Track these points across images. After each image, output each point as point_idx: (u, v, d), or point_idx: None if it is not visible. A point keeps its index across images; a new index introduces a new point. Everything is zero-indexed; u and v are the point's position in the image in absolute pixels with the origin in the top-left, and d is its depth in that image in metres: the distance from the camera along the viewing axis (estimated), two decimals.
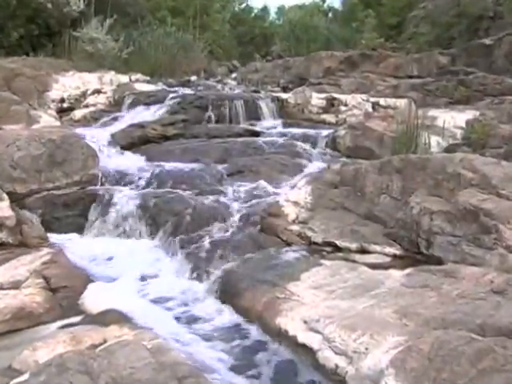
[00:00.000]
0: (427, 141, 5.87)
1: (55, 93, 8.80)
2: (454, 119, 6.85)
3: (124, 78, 10.03)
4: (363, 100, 8.54)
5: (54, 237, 4.55)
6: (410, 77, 10.20)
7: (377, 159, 4.70)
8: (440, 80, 8.75)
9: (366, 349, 2.56)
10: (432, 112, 7.01)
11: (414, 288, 3.10)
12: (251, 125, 8.07)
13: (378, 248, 3.92)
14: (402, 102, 8.00)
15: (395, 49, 12.91)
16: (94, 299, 3.44)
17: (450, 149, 6.09)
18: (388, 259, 3.82)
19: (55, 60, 10.32)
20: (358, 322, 2.76)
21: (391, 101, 8.37)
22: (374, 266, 3.64)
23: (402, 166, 4.18)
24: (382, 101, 8.48)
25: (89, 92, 9.11)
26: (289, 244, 4.19)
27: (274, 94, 9.35)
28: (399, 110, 7.35)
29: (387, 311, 2.85)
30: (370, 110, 8.35)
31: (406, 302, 2.92)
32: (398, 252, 3.87)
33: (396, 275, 3.38)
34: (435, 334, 2.48)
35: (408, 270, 3.40)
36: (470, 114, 6.99)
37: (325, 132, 7.48)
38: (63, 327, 3.10)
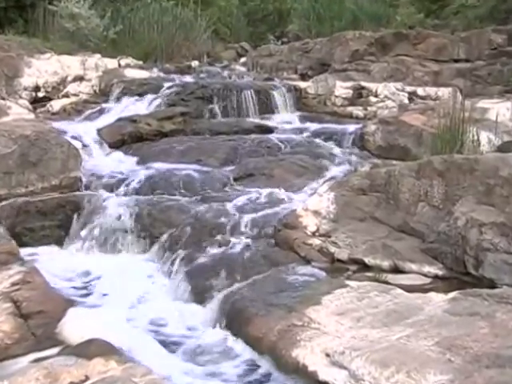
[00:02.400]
0: (476, 138, 5.84)
1: (28, 79, 8.83)
2: (509, 111, 6.82)
3: (112, 63, 10.06)
4: (397, 89, 8.53)
5: (26, 251, 4.56)
6: (456, 60, 10.16)
7: (414, 160, 4.70)
8: (493, 64, 8.69)
9: None
10: (482, 103, 6.98)
11: (461, 316, 3.08)
12: (263, 119, 8.07)
13: (415, 267, 3.91)
14: (445, 92, 7.98)
15: (437, 26, 12.83)
16: (74, 327, 3.44)
17: (504, 147, 6.04)
18: (427, 280, 3.82)
19: (27, 39, 10.28)
20: (391, 356, 2.75)
21: (432, 90, 8.35)
22: (410, 289, 3.63)
23: (444, 169, 4.17)
24: (420, 90, 8.46)
25: (69, 79, 9.16)
26: (308, 261, 4.20)
27: (291, 83, 9.35)
28: (441, 101, 7.33)
29: (427, 343, 2.83)
30: (406, 101, 8.32)
31: (451, 333, 2.90)
32: (439, 272, 3.85)
33: (438, 300, 3.36)
34: (488, 374, 2.46)
35: (452, 294, 3.38)
36: None
37: (351, 128, 7.47)
38: (37, 361, 3.09)
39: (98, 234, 4.93)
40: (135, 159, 6.54)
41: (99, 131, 7.07)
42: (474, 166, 4.04)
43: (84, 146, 6.41)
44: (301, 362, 2.99)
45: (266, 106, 8.38)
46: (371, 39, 11.31)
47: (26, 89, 8.71)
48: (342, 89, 8.79)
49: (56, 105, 8.48)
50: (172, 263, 4.42)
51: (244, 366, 3.24)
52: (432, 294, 3.48)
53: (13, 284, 3.68)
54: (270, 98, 8.48)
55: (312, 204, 4.65)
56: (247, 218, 4.90)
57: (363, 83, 8.85)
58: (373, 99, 8.58)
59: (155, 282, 4.35)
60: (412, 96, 8.38)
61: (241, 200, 5.31)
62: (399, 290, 3.58)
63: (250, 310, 3.53)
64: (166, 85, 8.54)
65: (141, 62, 10.66)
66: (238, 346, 3.40)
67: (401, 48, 10.98)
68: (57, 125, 6.84)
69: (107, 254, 4.83)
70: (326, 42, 11.77)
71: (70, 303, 3.77)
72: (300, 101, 8.84)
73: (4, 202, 5.08)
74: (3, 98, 7.90)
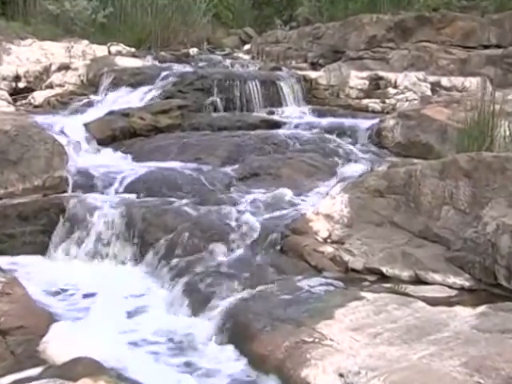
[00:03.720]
0: (508, 133, 5.83)
1: (7, 68, 8.86)
2: None
3: (101, 50, 10.09)
4: (419, 79, 8.52)
5: (5, 260, 4.59)
6: (486, 46, 10.11)
7: (437, 158, 4.71)
8: None
9: None
10: None
11: (491, 333, 3.08)
12: (270, 113, 8.08)
13: (438, 277, 3.92)
14: (472, 82, 7.98)
15: (465, 8, 12.77)
16: (59, 344, 3.44)
17: None
18: (453, 293, 3.82)
19: (6, 23, 10.29)
20: (412, 378, 2.75)
21: (458, 80, 8.34)
22: (433, 302, 3.63)
23: (471, 168, 4.17)
24: (444, 80, 8.45)
25: (53, 68, 9.16)
26: (319, 270, 4.22)
27: (300, 73, 9.35)
28: (469, 93, 7.32)
29: (453, 364, 2.83)
30: (429, 92, 8.32)
31: (480, 352, 2.90)
32: (466, 283, 3.86)
33: (464, 315, 3.37)
34: None
35: (481, 308, 3.39)
36: None
37: (367, 123, 7.47)
38: (17, 383, 3.10)
39: (85, 240, 4.94)
40: (127, 157, 6.56)
41: (87, 126, 7.08)
42: (506, 164, 4.04)
43: (70, 142, 6.41)
44: (311, 382, 2.99)
45: (273, 99, 8.39)
46: (390, 23, 11.26)
47: (4, 79, 8.72)
48: (357, 79, 8.79)
49: (39, 96, 8.51)
50: (168, 273, 4.44)
51: None
52: (458, 308, 3.48)
53: None
54: (277, 90, 8.49)
55: (323, 207, 4.66)
56: (251, 222, 4.90)
57: (381, 73, 8.85)
58: (391, 91, 8.57)
59: (149, 293, 4.36)
60: (435, 87, 8.37)
61: (244, 203, 5.31)
62: (421, 303, 3.58)
63: (254, 324, 3.54)
64: (162, 75, 8.54)
65: (133, 49, 10.67)
66: (241, 364, 3.40)
67: (423, 33, 10.93)
68: (40, 119, 6.85)
69: (96, 263, 4.84)
70: (340, 27, 11.74)
71: (54, 318, 3.77)
72: (310, 92, 8.84)
73: None
74: None
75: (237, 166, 6.26)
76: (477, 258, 3.84)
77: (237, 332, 3.59)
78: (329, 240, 4.41)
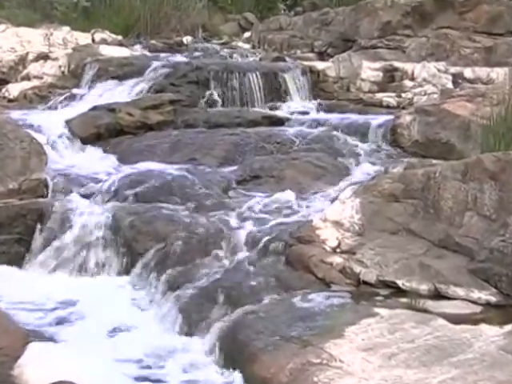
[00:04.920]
0: None
1: None
2: None
3: (84, 38, 10.08)
4: (439, 71, 8.52)
5: None
6: None
7: (459, 159, 4.70)
8: None
9: None
10: None
11: None
12: (272, 109, 8.09)
13: (461, 292, 3.90)
14: (499, 73, 7.96)
15: None
16: (36, 366, 3.43)
17: None
18: (477, 309, 3.81)
19: None
20: None
21: (483, 71, 8.34)
22: (455, 319, 3.63)
23: (498, 169, 4.16)
24: (468, 71, 8.45)
25: (30, 57, 9.17)
26: (327, 284, 4.22)
27: (306, 64, 9.36)
28: (495, 85, 7.32)
29: None
30: (450, 85, 8.32)
31: (508, 377, 2.90)
32: (492, 298, 3.84)
33: (490, 334, 3.36)
34: None
35: (509, 327, 3.39)
36: None
37: (381, 119, 7.47)
38: None
39: (67, 250, 4.94)
40: (114, 158, 6.56)
41: (69, 123, 7.09)
42: None
43: (50, 141, 6.42)
44: None
45: (276, 93, 8.40)
46: (407, 8, 11.23)
47: None
48: (369, 70, 8.79)
49: (14, 89, 8.51)
50: (159, 286, 4.44)
51: None
52: (483, 327, 3.48)
53: None
54: (281, 83, 8.50)
55: (332, 213, 4.65)
56: (252, 230, 4.91)
57: (396, 63, 8.85)
58: (408, 83, 8.57)
59: (138, 309, 4.36)
60: (457, 79, 8.37)
61: (244, 208, 5.32)
62: (441, 321, 3.57)
63: (255, 343, 3.53)
64: (152, 66, 8.56)
65: (120, 37, 10.67)
66: None
67: (444, 18, 10.90)
68: (15, 115, 6.88)
69: (78, 276, 4.84)
70: (350, 12, 11.73)
71: (32, 337, 3.78)
72: (317, 86, 8.85)
73: None
74: None
75: (236, 168, 6.27)
76: (504, 270, 3.83)
77: (236, 352, 3.58)
78: (338, 250, 4.40)
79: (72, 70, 8.90)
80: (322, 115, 7.96)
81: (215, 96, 8.08)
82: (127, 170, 6.10)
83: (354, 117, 7.77)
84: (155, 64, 8.64)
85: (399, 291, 4.01)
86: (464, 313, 3.77)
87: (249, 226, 4.96)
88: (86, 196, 5.59)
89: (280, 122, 7.63)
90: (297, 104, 8.37)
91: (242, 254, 4.65)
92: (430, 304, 3.85)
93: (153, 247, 4.79)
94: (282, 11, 14.72)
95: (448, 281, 3.95)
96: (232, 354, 3.60)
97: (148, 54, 9.77)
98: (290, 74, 8.68)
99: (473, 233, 4.15)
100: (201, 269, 4.48)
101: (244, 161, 6.42)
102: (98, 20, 11.06)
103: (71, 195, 5.54)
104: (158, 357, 3.77)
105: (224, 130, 7.20)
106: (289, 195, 5.53)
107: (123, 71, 8.47)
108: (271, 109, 8.08)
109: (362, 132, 7.27)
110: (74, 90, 8.31)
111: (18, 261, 4.96)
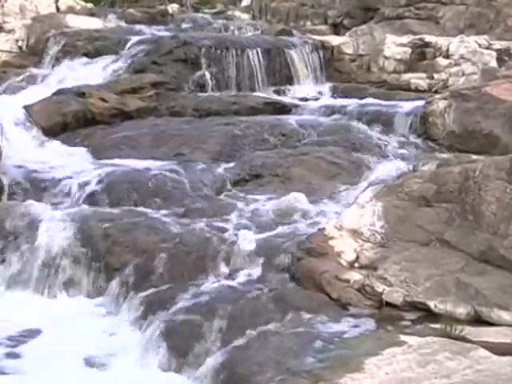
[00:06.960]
0: None
1: None
2: None
3: (46, 5, 10.08)
4: (481, 46, 8.51)
5: None
6: None
7: (504, 154, 4.67)
8: None
9: None
10: None
11: None
12: (276, 93, 8.11)
13: (506, 316, 3.89)
14: None
15: None
16: None
17: None
18: None
19: None
20: None
21: None
22: (500, 350, 3.61)
23: None
24: None
25: None
26: (343, 305, 4.23)
27: (318, 38, 9.38)
28: None
29: None
30: (494, 63, 8.32)
31: None
32: None
33: None
34: None
35: None
36: None
37: (408, 105, 7.50)
38: None
39: (28, 266, 4.91)
40: (84, 152, 6.56)
41: (28, 110, 7.06)
42: None
43: (4, 132, 6.42)
44: None
45: (281, 74, 8.42)
46: None
47: None
48: (395, 46, 8.79)
49: None
50: (139, 308, 4.41)
51: None
52: None
53: None
54: (287, 62, 8.51)
55: (349, 220, 4.64)
56: (251, 240, 4.90)
57: (428, 37, 8.85)
58: (442, 62, 8.58)
59: (115, 338, 4.34)
60: (503, 56, 8.38)
61: (242, 214, 5.31)
62: (483, 352, 3.55)
63: (257, 378, 3.52)
64: (130, 40, 8.57)
65: (91, 5, 10.70)
66: None
67: None
68: None
69: (43, 297, 4.83)
70: None
71: None
72: (331, 65, 8.87)
73: None
74: None
75: (232, 165, 6.26)
76: None
77: None
78: (356, 264, 4.41)
79: (31, 46, 8.91)
80: (337, 101, 8.00)
81: (207, 77, 8.08)
82: (101, 167, 6.09)
83: (375, 102, 7.80)
84: (134, 39, 8.66)
85: (431, 315, 4.01)
86: (510, 342, 3.76)
87: (248, 236, 4.97)
88: (51, 200, 5.58)
89: (286, 109, 7.65)
90: (306, 87, 8.39)
91: (240, 269, 4.65)
92: (469, 331, 3.83)
93: (131, 261, 4.78)
94: None
95: (490, 302, 3.93)
96: None
97: (125, 25, 9.80)
98: (297, 51, 8.68)
99: None
100: (190, 288, 4.47)
101: (242, 156, 6.42)
102: None
103: (33, 199, 5.54)
104: None
105: (218, 118, 7.20)
106: (296, 198, 5.53)
107: (95, 47, 8.49)
108: (275, 93, 8.11)
109: (385, 121, 7.29)
110: (35, 70, 8.33)
111: None
